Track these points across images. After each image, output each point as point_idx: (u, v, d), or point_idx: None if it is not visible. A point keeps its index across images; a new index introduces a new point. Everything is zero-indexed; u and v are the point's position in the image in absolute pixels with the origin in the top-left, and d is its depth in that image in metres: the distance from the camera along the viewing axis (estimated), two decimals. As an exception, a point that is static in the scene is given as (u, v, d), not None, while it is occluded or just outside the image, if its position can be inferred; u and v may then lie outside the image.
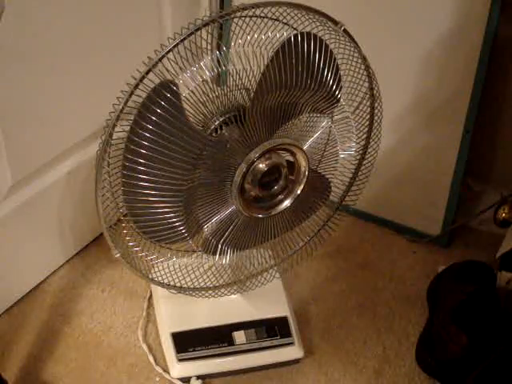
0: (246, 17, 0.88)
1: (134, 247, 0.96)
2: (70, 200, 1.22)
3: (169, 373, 1.09)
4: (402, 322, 1.22)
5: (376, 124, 1.04)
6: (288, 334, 1.12)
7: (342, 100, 0.98)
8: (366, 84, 0.99)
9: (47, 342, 1.13)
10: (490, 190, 1.42)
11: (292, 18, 0.90)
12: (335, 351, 1.16)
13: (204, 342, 1.09)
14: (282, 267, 1.14)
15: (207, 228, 0.98)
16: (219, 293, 1.11)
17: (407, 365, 1.15)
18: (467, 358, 1.07)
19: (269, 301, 1.15)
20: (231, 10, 0.87)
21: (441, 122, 1.28)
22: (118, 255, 0.96)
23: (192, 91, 0.87)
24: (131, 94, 0.84)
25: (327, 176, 1.05)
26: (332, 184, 1.06)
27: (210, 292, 1.10)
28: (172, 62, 0.85)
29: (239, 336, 1.10)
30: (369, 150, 1.06)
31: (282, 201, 1.00)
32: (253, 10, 0.88)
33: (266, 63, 0.89)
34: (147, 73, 0.83)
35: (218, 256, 1.02)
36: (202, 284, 1.07)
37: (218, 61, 0.87)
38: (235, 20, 0.88)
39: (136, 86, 0.84)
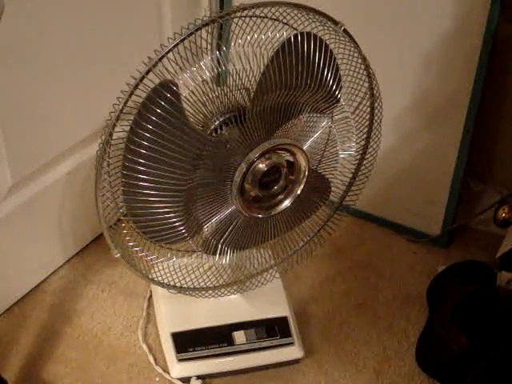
0: (245, 17, 0.88)
1: (134, 247, 0.96)
2: (69, 200, 1.22)
3: (169, 373, 1.09)
4: (402, 322, 1.22)
5: (376, 124, 1.04)
6: (288, 334, 1.12)
7: (341, 100, 0.97)
8: (366, 84, 0.99)
9: (47, 342, 1.13)
10: (490, 190, 1.42)
11: (292, 18, 0.90)
12: (335, 351, 1.16)
13: (204, 342, 1.09)
14: (281, 267, 1.14)
15: (207, 228, 0.98)
16: (219, 293, 1.11)
17: (407, 365, 1.15)
18: (467, 358, 1.07)
19: (269, 301, 1.15)
20: (231, 10, 0.87)
21: (441, 122, 1.28)
22: (118, 255, 0.96)
23: (192, 91, 0.87)
24: (131, 94, 0.84)
25: (327, 176, 1.05)
26: (332, 184, 1.06)
27: (210, 292, 1.10)
28: (172, 62, 0.85)
29: (239, 336, 1.10)
30: (369, 150, 1.06)
31: (281, 201, 1.00)
32: (253, 10, 0.88)
33: (266, 63, 0.89)
34: (147, 73, 0.83)
35: (217, 256, 1.02)
36: (202, 284, 1.07)
37: (218, 61, 0.87)
38: (235, 20, 0.88)
39: (136, 86, 0.84)
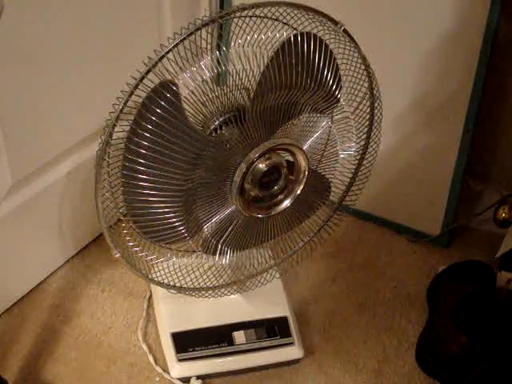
0: (245, 17, 0.88)
1: (134, 247, 0.96)
2: (69, 200, 1.22)
3: (169, 373, 1.09)
4: (402, 322, 1.22)
5: (376, 124, 1.04)
6: (288, 334, 1.12)
7: (341, 100, 0.98)
8: (366, 84, 0.99)
9: (47, 342, 1.13)
10: (490, 190, 1.42)
11: (292, 18, 0.90)
12: (335, 351, 1.16)
13: (204, 341, 1.09)
14: (281, 267, 1.14)
15: (207, 228, 0.98)
16: (219, 293, 1.11)
17: (407, 365, 1.15)
18: (467, 357, 1.07)
19: (269, 301, 1.15)
20: (231, 10, 0.87)
21: (441, 122, 1.28)
22: (118, 255, 0.96)
23: (192, 91, 0.87)
24: (131, 94, 0.84)
25: (327, 176, 1.05)
26: (332, 184, 1.06)
27: (210, 292, 1.10)
28: (172, 62, 0.85)
29: (239, 336, 1.10)
30: (369, 150, 1.06)
31: (281, 201, 1.00)
32: (253, 9, 0.88)
33: (265, 63, 0.89)
34: (147, 73, 0.83)
35: (217, 256, 1.02)
36: (201, 284, 1.07)
37: (218, 61, 0.87)
38: (235, 20, 0.88)
39: (136, 86, 0.84)
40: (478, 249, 1.34)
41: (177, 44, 0.83)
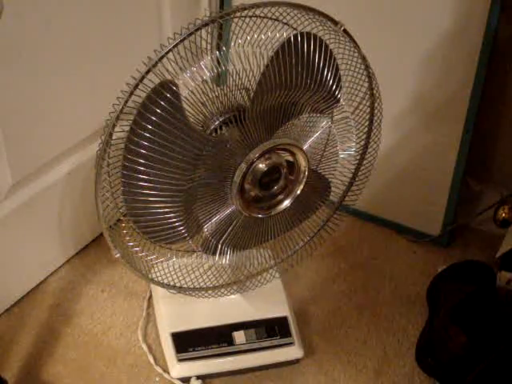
0: (245, 17, 0.88)
1: (134, 247, 0.96)
2: (69, 200, 1.22)
3: (169, 373, 1.09)
4: (402, 322, 1.22)
5: (376, 124, 1.04)
6: (288, 334, 1.12)
7: (341, 100, 0.98)
8: (366, 84, 0.99)
9: (47, 342, 1.13)
10: (490, 190, 1.42)
11: (292, 18, 0.90)
12: (335, 351, 1.16)
13: (204, 342, 1.09)
14: (281, 267, 1.14)
15: (207, 228, 0.98)
16: (219, 293, 1.11)
17: (407, 365, 1.15)
18: (467, 358, 1.07)
19: (269, 301, 1.15)
20: (231, 10, 0.87)
21: (441, 122, 1.28)
22: (118, 255, 0.96)
23: (192, 91, 0.87)
24: (131, 94, 0.84)
25: (327, 176, 1.05)
26: (332, 184, 1.06)
27: (210, 292, 1.10)
28: (172, 62, 0.85)
29: (239, 336, 1.10)
30: (369, 150, 1.06)
31: (281, 201, 1.00)
32: (253, 10, 0.88)
33: (265, 63, 0.89)
34: (147, 73, 0.83)
35: (217, 256, 1.02)
36: (201, 284, 1.07)
37: (218, 61, 0.87)
38: (235, 20, 0.88)
39: (136, 86, 0.84)
40: (478, 249, 1.34)
41: (177, 44, 0.83)
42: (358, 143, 1.04)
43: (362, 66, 0.97)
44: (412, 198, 1.36)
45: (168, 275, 1.04)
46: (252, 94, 0.91)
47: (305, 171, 0.99)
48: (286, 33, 0.90)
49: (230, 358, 1.09)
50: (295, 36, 0.90)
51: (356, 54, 0.96)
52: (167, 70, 0.85)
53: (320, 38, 0.92)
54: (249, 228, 1.00)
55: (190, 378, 1.08)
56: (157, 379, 1.10)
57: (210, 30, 0.86)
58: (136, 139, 0.85)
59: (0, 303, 1.16)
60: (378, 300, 1.25)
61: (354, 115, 1.01)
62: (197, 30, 0.84)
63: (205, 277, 1.07)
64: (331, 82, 0.94)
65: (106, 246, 0.95)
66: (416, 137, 1.31)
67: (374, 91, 1.01)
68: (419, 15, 1.22)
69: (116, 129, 0.85)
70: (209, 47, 0.87)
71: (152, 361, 1.11)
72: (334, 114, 1.00)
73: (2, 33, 0.94)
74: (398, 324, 1.21)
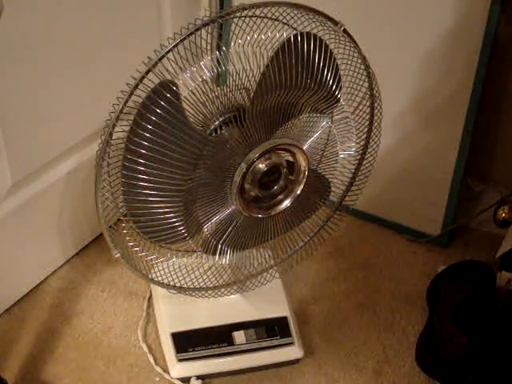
0: (245, 17, 0.88)
1: (134, 247, 0.96)
2: (69, 200, 1.22)
3: (169, 373, 1.09)
4: (402, 322, 1.22)
5: (376, 124, 1.04)
6: (288, 334, 1.12)
7: (341, 100, 0.98)
8: (366, 84, 0.99)
9: (47, 342, 1.13)
10: (490, 190, 1.42)
11: (292, 18, 0.90)
12: (335, 351, 1.16)
13: (204, 342, 1.09)
14: (281, 267, 1.14)
15: (207, 228, 0.98)
16: (219, 293, 1.11)
17: (407, 365, 1.15)
18: (467, 357, 1.07)
19: (269, 301, 1.15)
20: (231, 10, 0.87)
21: (441, 122, 1.28)
22: (118, 255, 0.96)
23: (192, 91, 0.87)
24: (131, 94, 0.84)
25: (327, 176, 1.05)
26: (332, 184, 1.06)
27: (210, 292, 1.10)
28: (172, 62, 0.85)
29: (239, 336, 1.10)
30: (369, 150, 1.06)
31: (281, 201, 1.00)
32: (253, 10, 0.88)
33: (265, 63, 0.89)
34: (147, 73, 0.83)
35: (217, 256, 1.02)
36: (201, 284, 1.07)
37: (218, 61, 0.87)
38: (235, 20, 0.88)
39: (136, 86, 0.84)
40: (478, 249, 1.34)
41: (177, 44, 0.83)
42: (357, 143, 1.04)
43: (362, 66, 0.97)
44: (412, 198, 1.36)
45: (168, 275, 1.04)
46: (252, 94, 0.91)
47: (305, 171, 0.99)
48: (285, 33, 0.90)
49: (229, 358, 1.09)
50: (295, 36, 0.90)
51: (356, 54, 0.96)
52: (167, 70, 0.85)
53: (320, 37, 0.92)
54: (249, 228, 1.00)
55: (190, 378, 1.08)
56: (157, 379, 1.10)
57: (209, 30, 0.86)
58: (136, 139, 0.85)
59: (0, 303, 1.16)
60: (377, 300, 1.25)
61: (354, 115, 1.01)
62: (197, 30, 0.84)
63: (205, 277, 1.07)
64: (331, 82, 0.94)
65: (106, 246, 0.95)
66: (416, 137, 1.31)
67: (374, 91, 1.01)
68: (419, 15, 1.22)
69: (116, 129, 0.85)
70: (209, 47, 0.87)
71: (152, 361, 1.11)
72: (334, 113, 1.00)
73: (1, 33, 0.94)
74: (398, 324, 1.21)
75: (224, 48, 0.87)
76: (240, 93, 0.92)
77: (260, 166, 0.93)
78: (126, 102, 0.84)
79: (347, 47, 0.95)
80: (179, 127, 0.86)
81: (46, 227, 1.21)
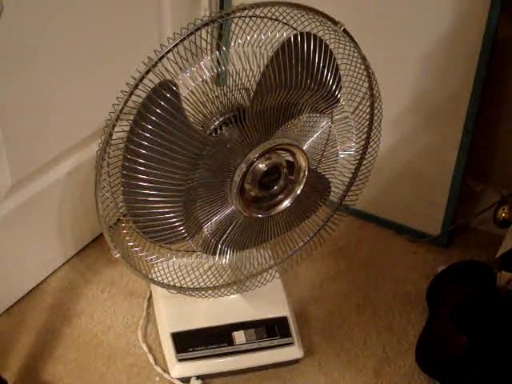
0: (245, 17, 0.88)
1: (134, 247, 0.96)
2: (70, 200, 1.22)
3: (169, 373, 1.09)
4: (402, 322, 1.22)
5: (376, 124, 1.04)
6: (288, 334, 1.12)
7: (341, 100, 0.98)
8: (366, 84, 0.99)
9: (47, 342, 1.13)
10: (490, 190, 1.42)
11: (292, 18, 0.90)
12: (335, 351, 1.16)
13: (204, 342, 1.09)
14: (281, 267, 1.14)
15: (207, 228, 0.98)
16: (219, 293, 1.11)
17: (407, 365, 1.15)
18: (467, 358, 1.07)
19: (269, 301, 1.15)
20: (231, 10, 0.87)
21: (441, 122, 1.28)
22: (118, 255, 0.96)
23: (192, 91, 0.87)
24: (131, 94, 0.84)
25: (327, 176, 1.05)
26: (332, 184, 1.06)
27: (210, 292, 1.10)
28: (172, 62, 0.85)
29: (239, 336, 1.10)
30: (369, 150, 1.06)
31: (281, 201, 1.00)
32: (252, 10, 0.88)
33: (265, 63, 0.90)
34: (147, 73, 0.83)
35: (217, 256, 1.02)
36: (201, 284, 1.07)
37: (218, 61, 0.87)
38: (235, 20, 0.88)
39: (136, 86, 0.84)
40: (478, 249, 1.34)
41: (177, 44, 0.83)
42: (357, 143, 1.04)
43: (362, 66, 0.97)
44: (412, 198, 1.36)
45: (168, 275, 1.04)
46: (252, 94, 0.91)
47: (305, 171, 0.99)
48: (285, 33, 0.90)
49: (229, 358, 1.09)
50: (295, 36, 0.90)
51: (356, 54, 0.96)
52: (167, 70, 0.85)
53: (320, 38, 0.92)
54: (249, 228, 1.00)
55: (190, 378, 1.08)
56: (157, 379, 1.10)
57: (209, 30, 0.86)
58: (136, 139, 0.85)
59: (0, 303, 1.16)
60: (377, 300, 1.25)
61: (354, 115, 1.01)
62: (197, 30, 0.84)
63: (205, 277, 1.07)
64: (331, 82, 0.94)
65: (106, 246, 0.95)
66: (416, 137, 1.31)
67: (374, 91, 1.01)
68: (419, 15, 1.22)
69: (116, 129, 0.85)
70: (209, 47, 0.87)
71: (152, 361, 1.11)
72: (334, 113, 1.00)
73: (1, 33, 0.94)
74: (398, 324, 1.21)
75: (224, 48, 0.87)
76: (240, 93, 0.92)
77: (260, 166, 0.93)
78: (126, 101, 0.84)
79: (347, 47, 0.95)
80: (179, 127, 0.86)
81: (46, 227, 1.21)
